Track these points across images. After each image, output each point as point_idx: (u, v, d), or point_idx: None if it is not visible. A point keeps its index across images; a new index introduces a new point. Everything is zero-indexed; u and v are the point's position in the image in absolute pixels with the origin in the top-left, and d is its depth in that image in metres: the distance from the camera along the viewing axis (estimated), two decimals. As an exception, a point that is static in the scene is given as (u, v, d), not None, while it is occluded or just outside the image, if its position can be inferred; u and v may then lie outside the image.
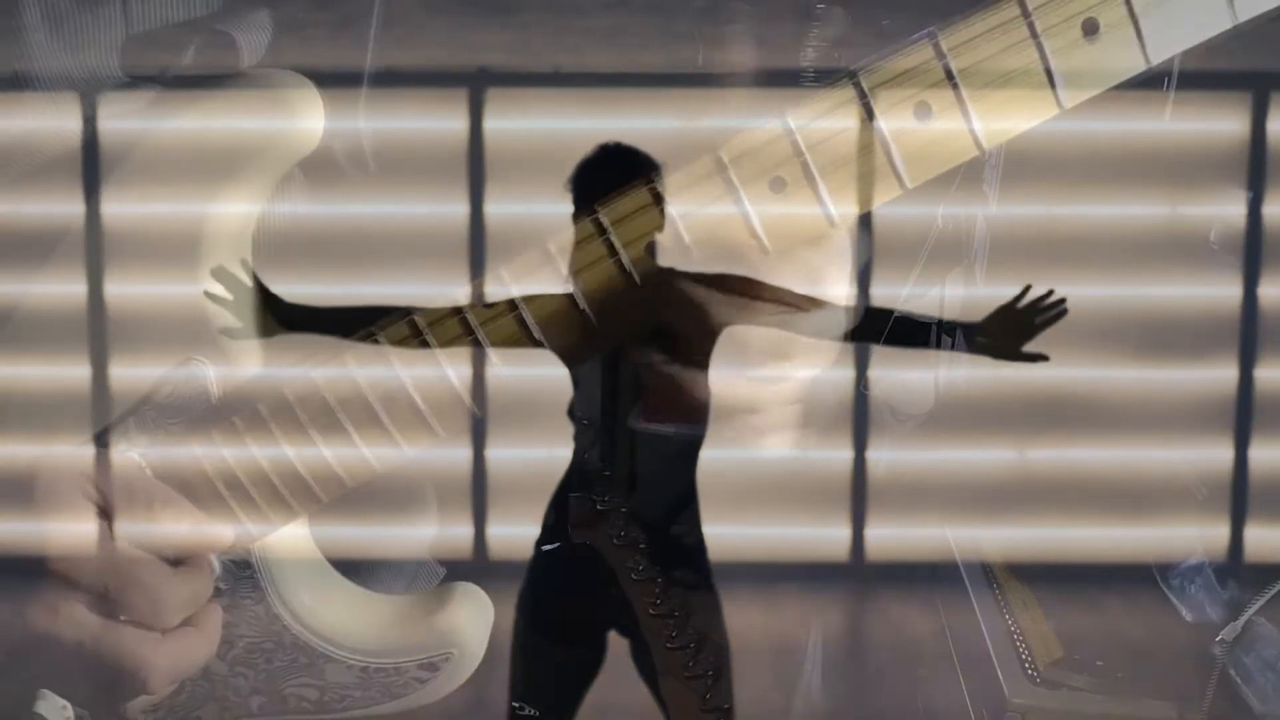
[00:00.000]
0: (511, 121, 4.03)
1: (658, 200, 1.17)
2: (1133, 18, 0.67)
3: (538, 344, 1.12)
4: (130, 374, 1.28)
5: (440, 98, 4.03)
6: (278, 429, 1.04)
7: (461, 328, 1.09)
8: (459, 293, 1.71)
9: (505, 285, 1.10)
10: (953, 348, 1.91)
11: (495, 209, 4.03)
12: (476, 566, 4.14)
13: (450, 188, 4.03)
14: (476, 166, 4.03)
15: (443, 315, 1.08)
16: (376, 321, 1.24)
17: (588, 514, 1.92)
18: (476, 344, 1.11)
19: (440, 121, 4.04)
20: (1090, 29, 0.70)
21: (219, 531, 0.94)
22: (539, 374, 2.03)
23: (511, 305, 1.09)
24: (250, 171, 1.07)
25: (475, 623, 1.26)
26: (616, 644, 1.98)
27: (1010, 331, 1.92)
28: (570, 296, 1.11)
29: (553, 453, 2.02)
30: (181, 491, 0.94)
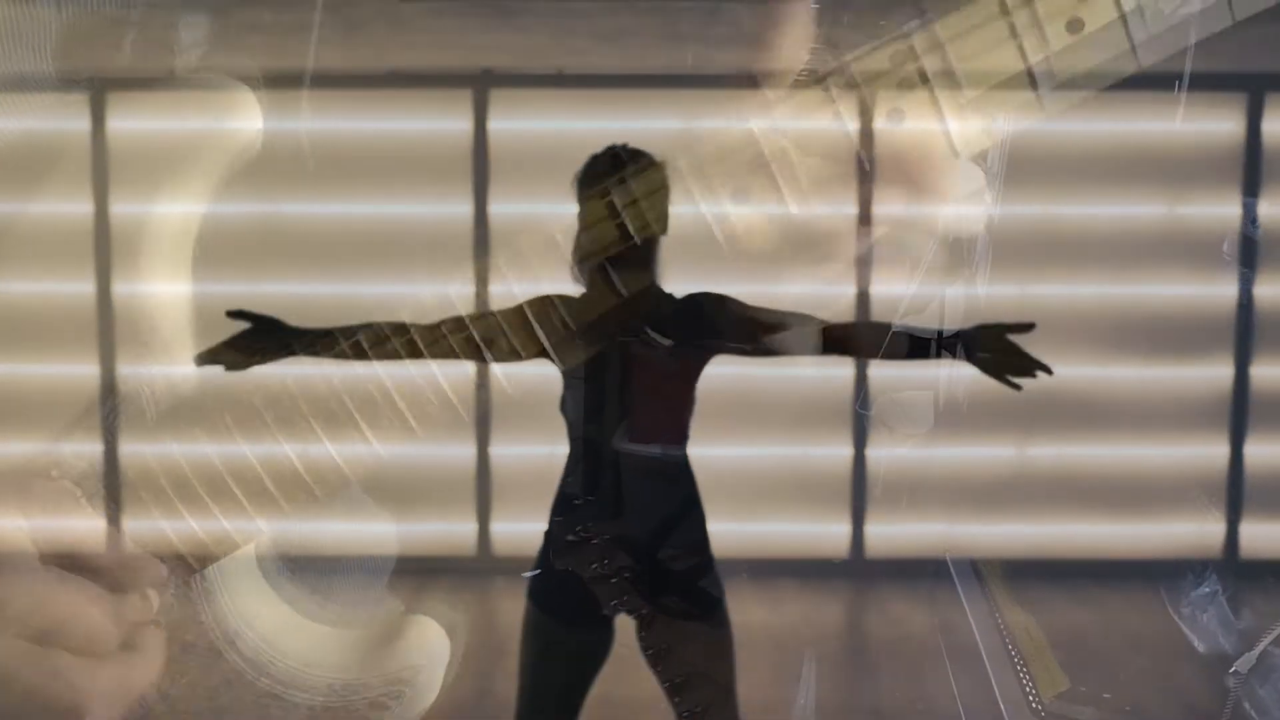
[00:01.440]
0: (515, 122, 4.06)
1: (614, 210, 1.16)
2: (1121, 17, 0.67)
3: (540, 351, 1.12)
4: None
5: (444, 99, 4.05)
6: (260, 426, 1.03)
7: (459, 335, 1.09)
8: (461, 292, 1.74)
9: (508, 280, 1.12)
10: (954, 355, 1.90)
11: (499, 209, 4.06)
12: (480, 563, 4.17)
13: (454, 188, 4.06)
14: (480, 167, 4.06)
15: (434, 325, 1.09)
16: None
17: (572, 543, 1.90)
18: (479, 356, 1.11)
19: (444, 122, 4.06)
20: (1075, 28, 0.70)
21: (151, 556, 0.90)
22: (541, 372, 2.06)
23: (538, 305, 1.08)
24: (187, 174, 1.05)
25: (430, 657, 1.20)
26: (623, 633, 1.99)
27: (1001, 360, 1.91)
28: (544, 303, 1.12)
29: (555, 450, 2.03)
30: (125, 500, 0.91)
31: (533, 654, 1.96)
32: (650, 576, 1.91)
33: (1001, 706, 2.54)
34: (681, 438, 1.95)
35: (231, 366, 1.80)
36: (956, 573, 3.30)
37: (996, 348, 1.88)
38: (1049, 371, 1.86)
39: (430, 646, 1.17)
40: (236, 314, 1.89)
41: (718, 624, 1.95)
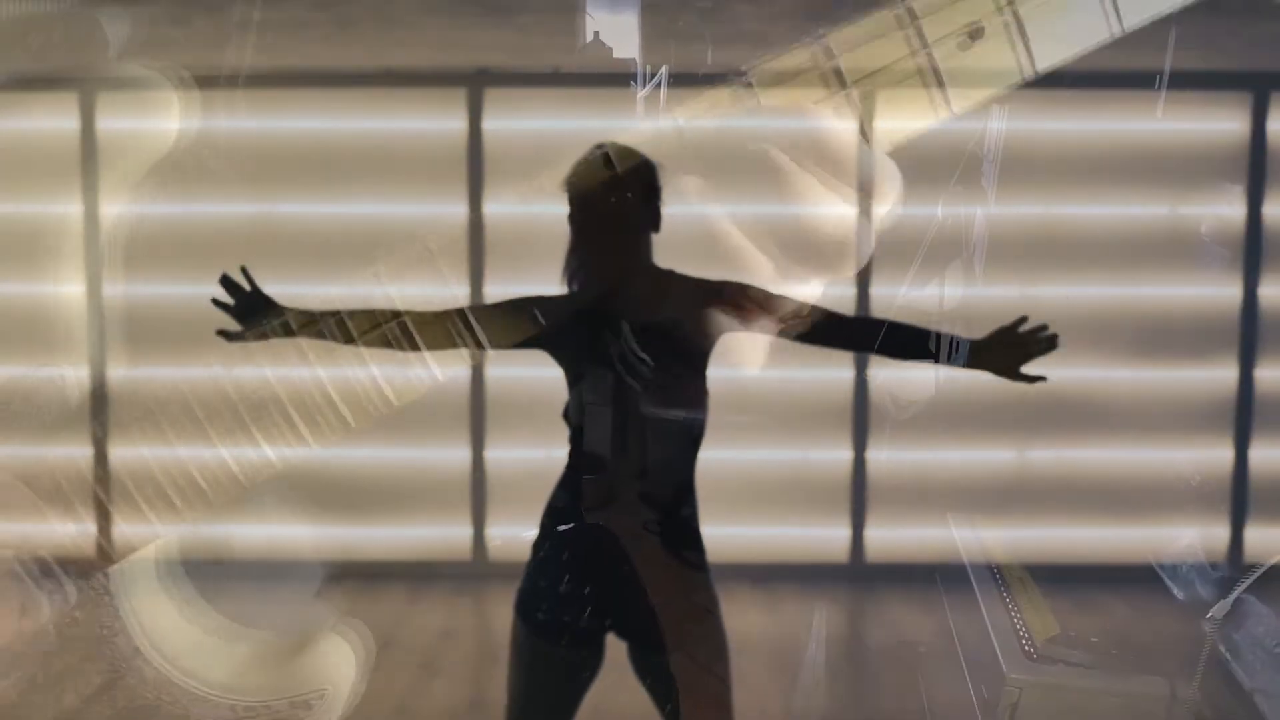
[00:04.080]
0: (510, 121, 4.03)
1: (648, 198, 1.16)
2: (1017, 24, 0.68)
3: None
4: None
5: (439, 98, 4.02)
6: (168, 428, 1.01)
7: (451, 325, 1.11)
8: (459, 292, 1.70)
9: (382, 283, 1.14)
10: (950, 360, 1.94)
11: (494, 209, 4.02)
12: (476, 567, 4.14)
13: (449, 188, 4.03)
14: (475, 167, 4.03)
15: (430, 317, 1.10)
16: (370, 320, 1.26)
17: (603, 496, 1.92)
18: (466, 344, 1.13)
19: (439, 122, 4.03)
20: (975, 35, 0.71)
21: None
22: (539, 375, 2.02)
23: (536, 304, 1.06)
24: (108, 172, 1.05)
25: (347, 660, 1.19)
26: (614, 648, 1.97)
27: (1009, 354, 1.95)
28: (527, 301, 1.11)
29: (551, 454, 2.01)
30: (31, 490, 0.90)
31: (520, 671, 1.93)
32: (670, 529, 1.93)
33: (999, 655, 2.66)
34: (696, 408, 1.94)
35: (238, 330, 1.78)
36: (961, 548, 3.35)
37: (998, 349, 1.90)
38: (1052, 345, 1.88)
39: (347, 649, 1.15)
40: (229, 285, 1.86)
41: (710, 573, 1.96)
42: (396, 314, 1.20)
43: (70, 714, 1.05)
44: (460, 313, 1.44)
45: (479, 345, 1.22)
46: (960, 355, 1.90)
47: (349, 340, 1.25)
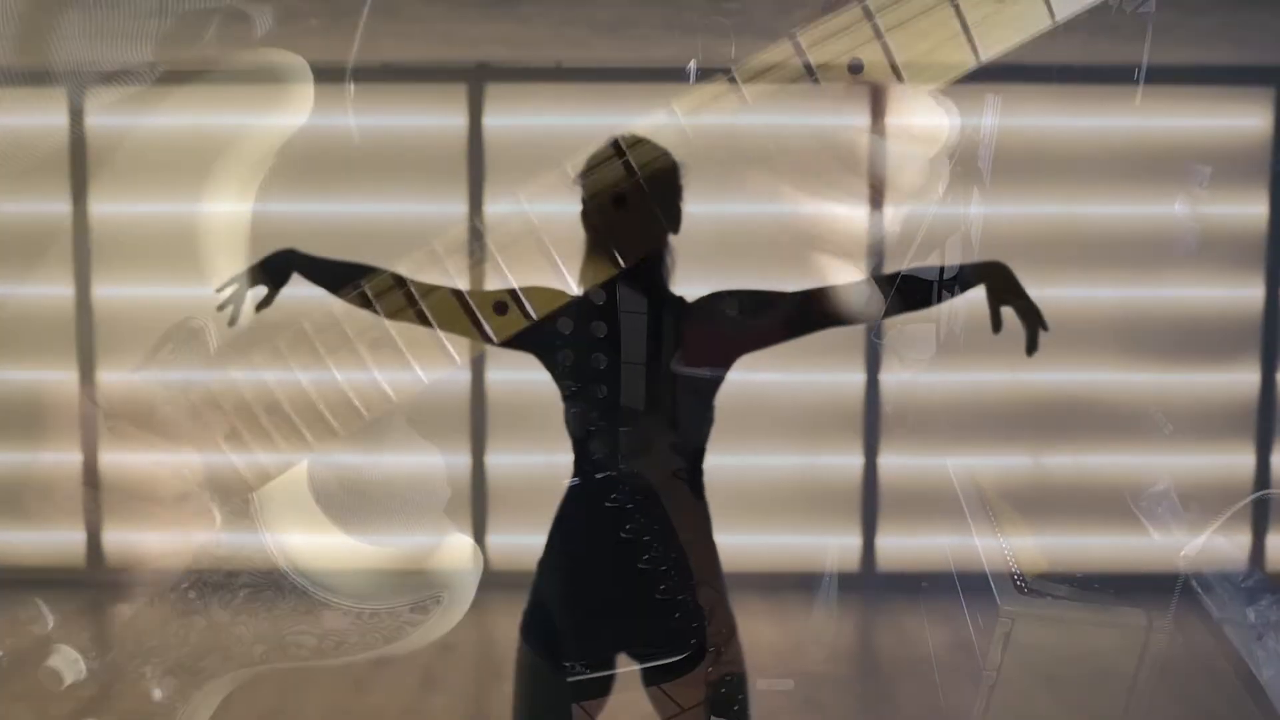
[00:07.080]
0: (512, 118, 3.97)
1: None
2: None
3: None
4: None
5: (439, 93, 3.96)
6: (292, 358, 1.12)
7: (455, 300, 1.18)
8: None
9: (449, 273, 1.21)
10: (955, 284, 1.89)
11: (495, 208, 3.96)
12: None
13: (449, 186, 3.97)
14: (476, 164, 3.97)
15: (434, 287, 1.19)
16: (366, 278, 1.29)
17: (639, 445, 1.90)
18: (461, 314, 1.18)
19: (439, 118, 3.97)
20: None
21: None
22: (540, 378, 1.96)
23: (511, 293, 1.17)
24: (235, 164, 1.20)
25: (465, 568, 1.33)
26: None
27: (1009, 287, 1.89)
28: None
29: (553, 460, 1.98)
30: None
31: (527, 697, 1.88)
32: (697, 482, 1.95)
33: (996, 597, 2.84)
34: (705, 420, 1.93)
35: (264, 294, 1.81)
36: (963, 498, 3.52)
37: (1001, 284, 1.84)
38: (1043, 327, 1.83)
39: (464, 557, 1.26)
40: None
41: (731, 659, 1.91)
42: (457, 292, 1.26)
43: (219, 626, 1.26)
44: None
45: (527, 317, 1.31)
46: (962, 276, 1.86)
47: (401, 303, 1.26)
